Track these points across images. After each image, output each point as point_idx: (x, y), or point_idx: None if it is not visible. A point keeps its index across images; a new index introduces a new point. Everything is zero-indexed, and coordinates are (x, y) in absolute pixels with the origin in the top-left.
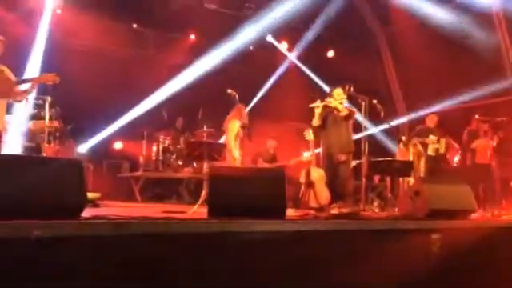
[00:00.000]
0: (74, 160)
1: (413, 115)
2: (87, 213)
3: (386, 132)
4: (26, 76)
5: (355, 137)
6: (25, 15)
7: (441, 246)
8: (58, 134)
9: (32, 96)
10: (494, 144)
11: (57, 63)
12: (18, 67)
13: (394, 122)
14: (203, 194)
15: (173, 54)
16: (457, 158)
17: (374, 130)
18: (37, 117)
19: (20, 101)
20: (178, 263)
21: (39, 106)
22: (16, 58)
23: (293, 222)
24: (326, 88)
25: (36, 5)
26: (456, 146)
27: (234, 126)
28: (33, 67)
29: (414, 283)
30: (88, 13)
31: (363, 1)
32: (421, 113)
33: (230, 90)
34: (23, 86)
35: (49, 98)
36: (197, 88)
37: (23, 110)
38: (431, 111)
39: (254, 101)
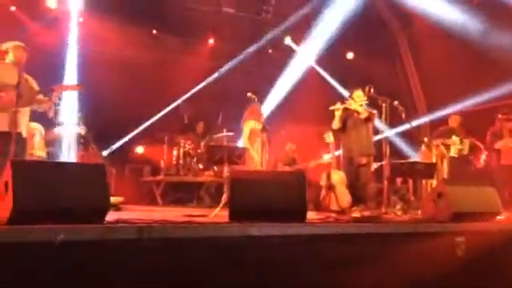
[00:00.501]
0: (97, 165)
1: (435, 116)
2: (110, 217)
3: (402, 135)
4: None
5: (376, 138)
6: (49, 25)
7: (465, 250)
8: (81, 140)
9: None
10: None
11: (79, 70)
12: (48, 76)
13: (415, 123)
14: (224, 197)
15: (192, 58)
16: (483, 159)
17: (389, 132)
18: (61, 123)
19: (45, 109)
20: (199, 266)
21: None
22: (42, 66)
23: (313, 226)
24: (343, 91)
25: (60, 14)
26: (481, 146)
27: (246, 128)
28: (70, 76)
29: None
30: (109, 20)
31: (383, 2)
32: (443, 113)
33: (249, 94)
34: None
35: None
36: (216, 92)
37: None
38: (454, 111)
39: (274, 103)
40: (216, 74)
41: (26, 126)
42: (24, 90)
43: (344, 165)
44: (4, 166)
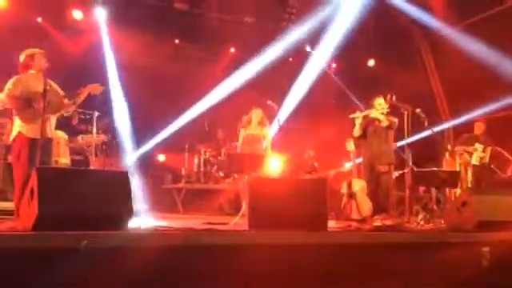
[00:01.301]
0: (120, 172)
1: (458, 123)
2: (132, 224)
3: (425, 143)
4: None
5: (397, 146)
6: (75, 35)
7: (491, 259)
8: (104, 147)
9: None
10: None
11: (102, 78)
12: (74, 85)
13: (439, 131)
14: (244, 205)
15: (214, 67)
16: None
17: (411, 140)
18: (85, 131)
19: (70, 113)
20: (219, 274)
21: (87, 121)
22: (67, 76)
23: (335, 234)
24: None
25: (85, 25)
26: (509, 156)
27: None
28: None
29: None
30: (132, 30)
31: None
32: (467, 120)
33: (269, 102)
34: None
35: (96, 113)
36: (237, 100)
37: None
38: (478, 119)
39: (294, 111)
40: (236, 82)
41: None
42: (51, 97)
43: (365, 173)
44: None
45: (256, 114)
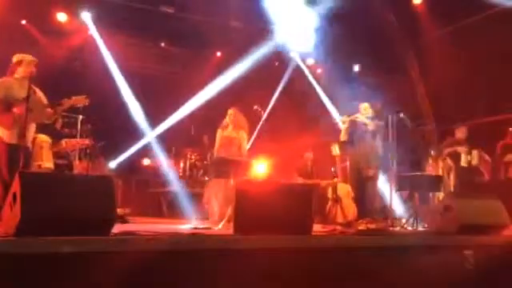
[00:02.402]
0: (104, 176)
1: (442, 128)
2: (117, 229)
3: (408, 147)
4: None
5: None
6: (59, 38)
7: (474, 263)
8: (88, 151)
9: None
10: None
11: (87, 81)
12: (57, 88)
13: (422, 134)
14: (229, 209)
15: (200, 71)
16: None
17: (395, 145)
18: (69, 135)
19: (51, 121)
20: (205, 279)
21: (71, 125)
22: (52, 79)
23: (319, 238)
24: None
25: (70, 27)
26: (488, 158)
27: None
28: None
29: None
30: (117, 33)
31: (390, 13)
32: (451, 125)
33: (256, 107)
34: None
35: (80, 117)
36: (223, 104)
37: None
38: (462, 123)
39: (280, 114)
40: (222, 86)
41: (35, 137)
42: (33, 104)
43: (351, 177)
44: (13, 176)
45: (229, 114)
